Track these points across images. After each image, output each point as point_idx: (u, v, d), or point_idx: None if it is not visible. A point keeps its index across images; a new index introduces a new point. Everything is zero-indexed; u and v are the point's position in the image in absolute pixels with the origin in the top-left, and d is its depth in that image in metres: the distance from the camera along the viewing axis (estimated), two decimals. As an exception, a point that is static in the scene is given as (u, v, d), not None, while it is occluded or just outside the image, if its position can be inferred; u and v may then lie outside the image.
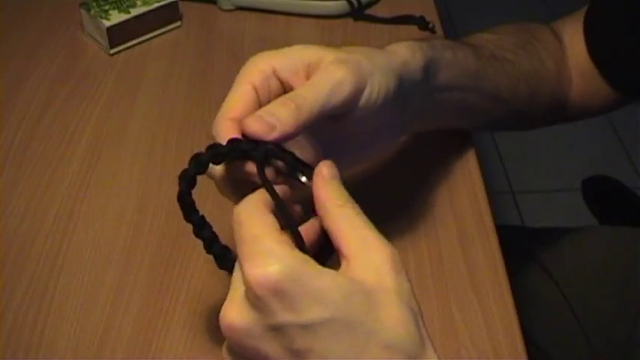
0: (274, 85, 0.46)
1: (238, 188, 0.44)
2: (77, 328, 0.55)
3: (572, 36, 0.69)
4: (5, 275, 0.59)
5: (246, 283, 0.37)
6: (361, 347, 0.37)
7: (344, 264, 0.39)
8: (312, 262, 0.38)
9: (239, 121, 0.44)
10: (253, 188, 0.42)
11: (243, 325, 0.38)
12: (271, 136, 0.42)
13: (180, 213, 0.43)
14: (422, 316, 0.39)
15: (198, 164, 0.42)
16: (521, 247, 0.83)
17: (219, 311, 0.39)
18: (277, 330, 0.37)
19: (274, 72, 0.46)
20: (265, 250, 0.37)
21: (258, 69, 0.46)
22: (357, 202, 0.42)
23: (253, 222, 0.39)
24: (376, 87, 0.47)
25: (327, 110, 0.44)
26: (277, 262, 0.37)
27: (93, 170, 0.68)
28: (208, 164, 0.43)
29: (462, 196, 0.65)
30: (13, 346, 0.54)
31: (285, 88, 0.47)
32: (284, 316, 0.36)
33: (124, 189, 0.66)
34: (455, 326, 0.55)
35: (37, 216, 0.63)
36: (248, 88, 0.45)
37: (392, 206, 0.64)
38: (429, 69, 0.53)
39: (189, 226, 0.43)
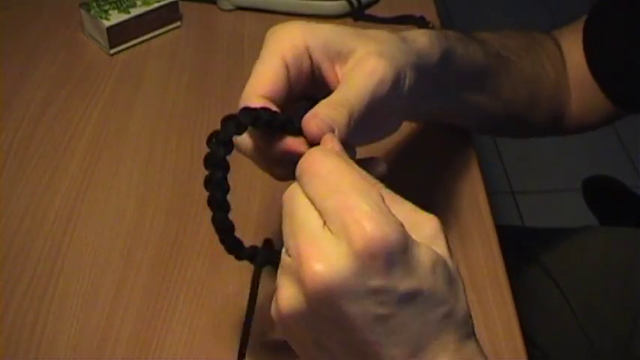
0: (306, 64, 0.44)
1: (269, 160, 0.43)
2: (77, 328, 0.55)
3: (571, 47, 0.68)
4: (5, 275, 0.59)
5: (361, 239, 0.34)
6: (440, 321, 0.37)
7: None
8: (405, 230, 0.36)
9: (270, 99, 0.42)
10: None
11: (345, 281, 0.35)
12: (330, 140, 0.40)
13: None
14: None
15: (237, 124, 0.39)
16: (521, 247, 0.83)
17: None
18: (374, 293, 0.35)
19: (307, 50, 0.43)
20: (378, 212, 0.35)
21: (293, 43, 0.43)
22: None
23: (346, 180, 0.37)
24: (407, 79, 0.46)
25: (368, 108, 0.43)
26: (392, 228, 0.35)
27: (93, 170, 0.68)
28: (246, 128, 0.40)
29: (462, 196, 0.65)
30: (13, 346, 0.54)
31: (313, 69, 0.44)
32: (385, 280, 0.35)
33: (124, 189, 0.66)
34: (455, 326, 0.55)
35: (37, 216, 0.63)
36: (279, 64, 0.42)
37: (392, 206, 0.64)
38: (444, 60, 0.52)
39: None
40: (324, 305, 0.35)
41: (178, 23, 0.86)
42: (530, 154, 1.85)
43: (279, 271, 0.38)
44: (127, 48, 0.82)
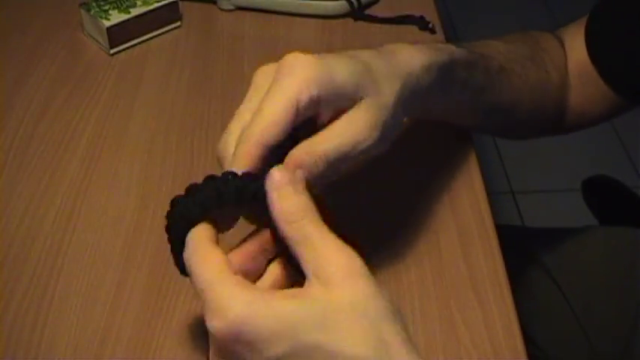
0: (312, 112, 0.43)
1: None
2: (77, 328, 0.55)
3: (573, 40, 0.69)
4: (5, 275, 0.59)
5: (210, 335, 0.38)
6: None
7: (306, 282, 0.38)
8: (262, 297, 0.37)
9: (268, 147, 0.41)
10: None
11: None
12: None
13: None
14: (394, 314, 0.38)
15: (187, 221, 0.41)
16: (521, 247, 0.83)
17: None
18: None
19: (319, 101, 0.42)
20: (217, 299, 0.37)
21: (309, 92, 0.41)
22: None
23: (200, 268, 0.39)
24: (397, 128, 0.48)
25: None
26: (230, 310, 0.37)
27: (93, 170, 0.68)
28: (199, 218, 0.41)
29: (462, 196, 0.65)
30: (13, 346, 0.54)
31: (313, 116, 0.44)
32: (251, 357, 0.37)
33: (124, 189, 0.66)
34: (455, 326, 0.55)
35: (37, 216, 0.63)
36: (291, 112, 0.41)
37: (392, 206, 0.64)
38: (443, 90, 0.53)
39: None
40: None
41: (178, 23, 0.86)
42: (530, 154, 1.85)
43: None
44: (127, 48, 0.82)
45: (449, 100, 0.57)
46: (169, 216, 0.42)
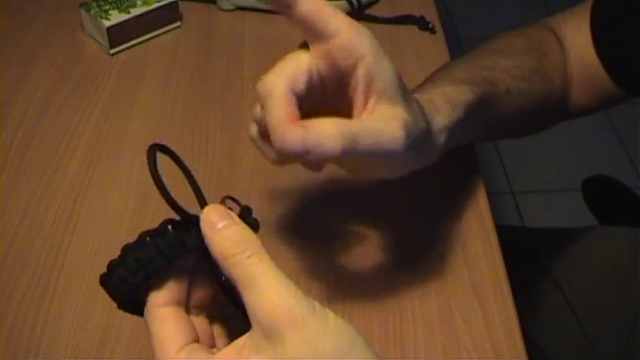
0: (347, 72, 0.44)
1: None
2: (77, 328, 0.55)
3: (574, 35, 0.68)
4: (5, 275, 0.59)
5: None
6: None
7: (251, 330, 0.37)
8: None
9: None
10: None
11: None
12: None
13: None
14: (350, 346, 0.36)
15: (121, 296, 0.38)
16: (521, 247, 0.83)
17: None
18: None
19: (363, 62, 0.44)
20: None
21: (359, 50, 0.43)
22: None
23: (157, 339, 0.38)
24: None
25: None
26: None
27: (93, 170, 0.68)
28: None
29: (462, 196, 0.65)
30: (13, 346, 0.54)
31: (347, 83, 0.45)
32: None
33: (124, 189, 0.66)
34: (455, 326, 0.55)
35: (37, 216, 0.63)
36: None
37: (391, 207, 0.64)
38: (462, 126, 0.54)
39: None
40: None
41: (178, 23, 0.86)
42: (530, 154, 1.85)
43: None
44: (127, 48, 0.82)
45: (460, 135, 0.57)
46: (108, 282, 0.39)
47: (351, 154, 0.43)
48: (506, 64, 0.62)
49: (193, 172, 0.41)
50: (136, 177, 0.67)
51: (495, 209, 0.64)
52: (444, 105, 0.52)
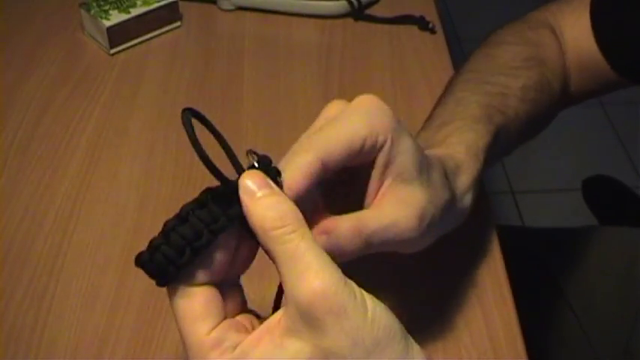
0: (369, 156, 0.41)
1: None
2: (77, 328, 0.55)
3: (573, 25, 0.68)
4: (5, 275, 0.59)
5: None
6: None
7: (287, 309, 0.35)
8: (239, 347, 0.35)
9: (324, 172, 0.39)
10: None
11: None
12: None
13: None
14: (389, 338, 0.36)
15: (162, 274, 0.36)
16: (521, 247, 0.83)
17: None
18: None
19: (389, 142, 0.41)
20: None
21: (383, 139, 0.41)
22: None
23: (185, 320, 0.36)
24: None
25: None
26: None
27: (93, 170, 0.68)
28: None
29: (462, 196, 0.65)
30: (13, 346, 0.54)
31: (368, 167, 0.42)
32: None
33: (124, 189, 0.66)
34: (455, 326, 0.55)
35: (37, 216, 0.63)
36: (358, 143, 0.40)
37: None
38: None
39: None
40: None
41: (178, 23, 0.86)
42: (530, 154, 1.85)
43: None
44: (127, 48, 0.83)
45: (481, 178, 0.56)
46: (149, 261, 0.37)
47: (366, 251, 0.42)
48: (515, 86, 0.62)
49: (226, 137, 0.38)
50: (136, 177, 0.67)
51: (495, 209, 0.64)
52: (466, 158, 0.51)
